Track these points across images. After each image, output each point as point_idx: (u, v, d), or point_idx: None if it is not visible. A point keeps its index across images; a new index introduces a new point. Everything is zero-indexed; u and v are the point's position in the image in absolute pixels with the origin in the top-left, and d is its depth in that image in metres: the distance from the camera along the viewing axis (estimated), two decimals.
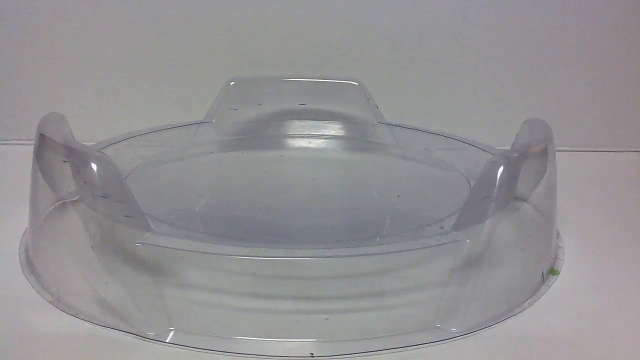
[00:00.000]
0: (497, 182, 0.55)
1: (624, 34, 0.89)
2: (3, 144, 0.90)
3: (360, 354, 0.51)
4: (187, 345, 0.51)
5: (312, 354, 0.51)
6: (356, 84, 0.80)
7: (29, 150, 0.61)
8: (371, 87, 0.81)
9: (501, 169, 0.56)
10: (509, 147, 0.65)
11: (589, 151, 0.92)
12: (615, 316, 0.57)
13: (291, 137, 0.83)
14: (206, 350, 0.51)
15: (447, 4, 0.86)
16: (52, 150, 0.59)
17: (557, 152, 0.63)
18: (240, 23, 0.86)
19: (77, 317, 0.54)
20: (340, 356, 0.51)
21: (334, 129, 0.83)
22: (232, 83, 0.79)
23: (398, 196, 0.71)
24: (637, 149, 0.93)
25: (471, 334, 0.53)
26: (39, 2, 0.85)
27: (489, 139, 0.77)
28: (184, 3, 0.85)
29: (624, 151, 0.93)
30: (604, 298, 0.59)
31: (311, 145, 0.82)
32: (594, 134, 0.93)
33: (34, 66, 0.88)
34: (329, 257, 0.53)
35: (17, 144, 0.89)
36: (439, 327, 0.54)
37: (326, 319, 0.53)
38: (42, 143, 0.59)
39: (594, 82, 0.91)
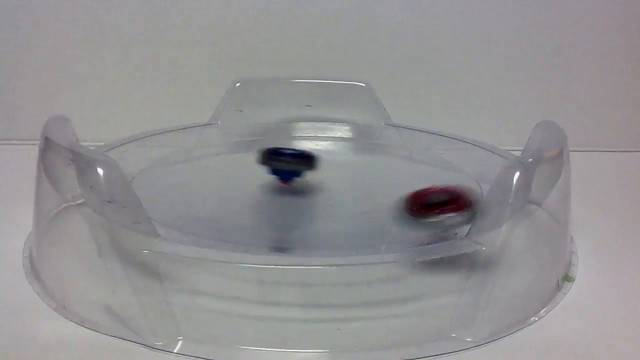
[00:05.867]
0: (513, 188, 0.54)
1: (625, 33, 0.88)
2: (6, 144, 0.89)
3: None
4: (195, 355, 0.50)
5: None
6: (363, 85, 0.79)
7: (32, 150, 0.60)
8: (378, 89, 0.80)
9: (517, 174, 0.55)
10: (513, 148, 0.64)
11: (598, 151, 0.92)
12: (634, 322, 0.56)
13: (297, 139, 0.82)
14: None
15: (455, 4, 0.86)
16: (57, 154, 0.58)
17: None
18: (246, 24, 0.86)
19: (82, 326, 0.53)
20: None
21: (341, 130, 0.82)
22: (237, 84, 0.79)
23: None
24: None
25: (487, 344, 0.52)
26: (43, 2, 0.84)
27: (496, 141, 0.76)
28: (190, 4, 0.85)
29: (634, 151, 0.92)
30: (621, 304, 0.58)
31: (318, 147, 0.81)
32: (601, 134, 0.92)
33: (37, 66, 0.87)
34: (342, 265, 0.52)
35: (21, 144, 0.88)
36: (454, 337, 0.52)
37: (338, 329, 0.52)
38: (47, 146, 0.58)
39: (595, 81, 0.90)
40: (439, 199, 0.62)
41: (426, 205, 0.62)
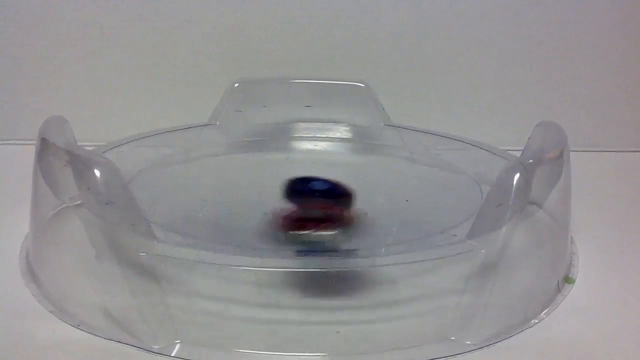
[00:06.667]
0: (513, 189, 0.54)
1: (625, 33, 0.88)
2: (4, 144, 0.89)
3: None
4: (193, 358, 0.50)
5: None
6: (362, 85, 0.79)
7: (29, 150, 0.60)
8: (378, 89, 0.79)
9: (517, 175, 0.54)
10: (513, 148, 0.64)
11: (598, 151, 0.91)
12: (635, 323, 0.56)
13: (297, 140, 0.81)
14: None
15: (455, 4, 0.86)
16: (54, 155, 0.57)
17: None
18: (245, 24, 0.86)
19: (79, 328, 0.53)
20: None
21: (340, 131, 0.82)
22: (236, 85, 0.78)
23: (407, 201, 0.69)
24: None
25: (487, 346, 0.52)
26: (42, 3, 0.84)
27: (496, 141, 0.76)
28: (188, 4, 0.84)
29: (634, 151, 0.92)
30: (621, 305, 0.58)
31: (317, 148, 0.81)
32: (601, 134, 0.92)
33: (36, 66, 0.87)
34: (341, 268, 0.51)
35: (18, 145, 0.88)
36: (453, 340, 0.52)
37: (337, 331, 0.52)
38: (44, 148, 0.58)
39: (595, 81, 0.90)
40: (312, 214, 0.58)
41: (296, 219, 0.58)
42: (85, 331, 0.52)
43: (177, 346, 0.51)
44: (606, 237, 0.70)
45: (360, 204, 0.70)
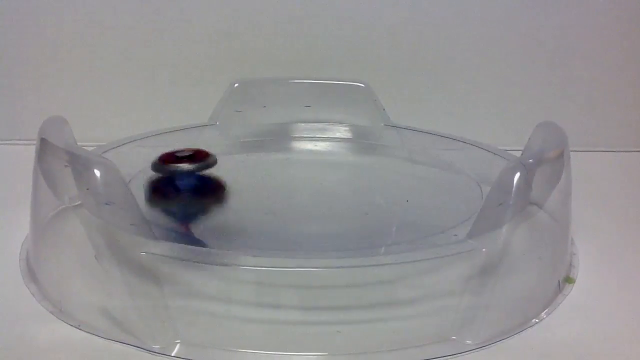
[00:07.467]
0: (513, 189, 0.54)
1: (625, 33, 0.88)
2: (4, 144, 0.89)
3: None
4: (193, 358, 0.50)
5: None
6: (362, 85, 0.79)
7: (30, 151, 0.60)
8: (378, 89, 0.79)
9: (518, 174, 0.54)
10: (513, 148, 0.64)
11: (598, 151, 0.91)
12: (636, 323, 0.55)
13: (297, 140, 0.81)
14: None
15: (455, 4, 0.86)
16: (53, 156, 0.57)
17: None
18: (245, 24, 0.86)
19: (79, 329, 0.53)
20: None
21: (340, 131, 0.82)
22: (236, 85, 0.78)
23: (407, 201, 0.69)
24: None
25: (488, 346, 0.52)
26: (42, 3, 0.84)
27: (496, 141, 0.76)
28: (188, 4, 0.84)
29: (634, 151, 0.92)
30: (622, 305, 0.58)
31: (317, 148, 0.81)
32: (601, 134, 0.92)
33: (36, 66, 0.87)
34: (341, 267, 0.51)
35: (18, 145, 0.88)
36: (454, 339, 0.52)
37: (338, 331, 0.52)
38: (44, 148, 0.58)
39: (595, 81, 0.90)
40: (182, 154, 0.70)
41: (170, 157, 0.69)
42: (85, 331, 0.52)
43: (177, 346, 0.51)
44: (606, 237, 0.69)
45: (360, 204, 0.70)
